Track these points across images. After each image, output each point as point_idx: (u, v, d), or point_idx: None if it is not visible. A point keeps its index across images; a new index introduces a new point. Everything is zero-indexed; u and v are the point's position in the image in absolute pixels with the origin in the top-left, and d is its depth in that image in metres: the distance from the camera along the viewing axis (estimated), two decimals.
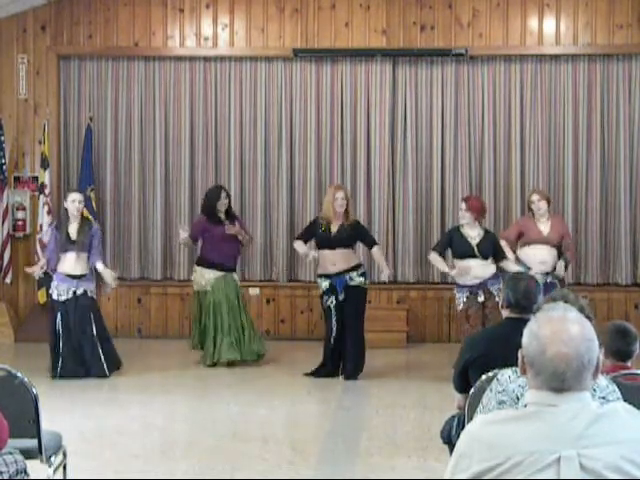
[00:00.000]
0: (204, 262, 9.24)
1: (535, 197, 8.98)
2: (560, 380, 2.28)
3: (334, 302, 8.59)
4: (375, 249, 8.89)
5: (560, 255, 8.83)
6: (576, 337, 2.30)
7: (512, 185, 10.80)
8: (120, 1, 10.92)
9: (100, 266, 8.71)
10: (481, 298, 8.41)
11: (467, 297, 8.44)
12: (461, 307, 8.49)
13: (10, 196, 10.82)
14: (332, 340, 8.64)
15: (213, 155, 11.03)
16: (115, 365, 8.84)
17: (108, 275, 8.74)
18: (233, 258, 9.31)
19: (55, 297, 8.69)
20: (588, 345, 2.31)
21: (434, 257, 8.70)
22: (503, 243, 8.79)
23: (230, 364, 9.13)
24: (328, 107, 10.90)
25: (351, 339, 8.60)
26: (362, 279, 8.66)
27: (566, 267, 8.92)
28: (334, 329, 8.62)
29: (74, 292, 8.61)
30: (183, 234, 9.25)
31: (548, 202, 8.97)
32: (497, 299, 8.38)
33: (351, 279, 8.58)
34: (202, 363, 9.20)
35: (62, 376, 8.56)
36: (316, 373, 8.70)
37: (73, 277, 8.63)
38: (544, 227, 8.87)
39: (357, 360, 8.63)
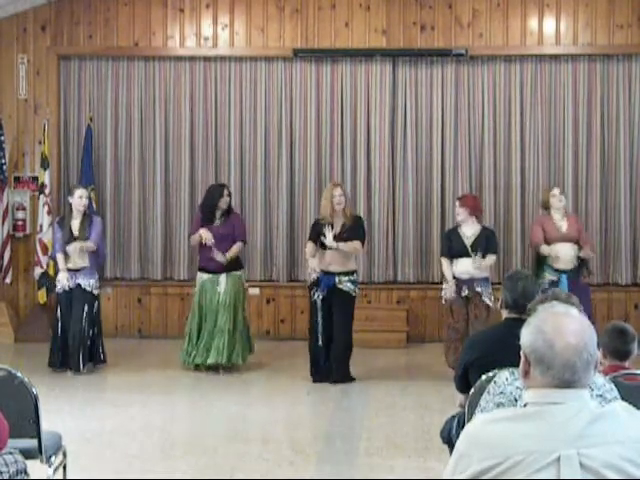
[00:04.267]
0: (200, 267, 9.11)
1: (556, 190, 9.01)
2: (572, 371, 2.31)
3: (320, 296, 8.45)
4: (356, 242, 8.49)
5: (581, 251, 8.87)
6: (581, 330, 2.35)
7: (512, 185, 10.80)
8: (120, 1, 10.92)
9: (86, 244, 8.76)
10: (464, 293, 8.50)
11: (452, 292, 8.52)
12: (445, 299, 8.61)
13: (10, 196, 10.83)
14: (319, 340, 8.47)
15: (213, 155, 11.03)
16: (99, 361, 8.95)
17: (80, 246, 8.73)
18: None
19: (58, 290, 8.91)
20: (591, 336, 2.36)
21: (446, 264, 8.68)
22: (546, 249, 8.74)
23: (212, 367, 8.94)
24: (328, 107, 10.90)
25: (338, 345, 8.49)
26: (352, 286, 8.50)
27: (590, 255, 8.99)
28: (320, 324, 8.46)
29: (69, 286, 8.77)
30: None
31: (565, 198, 9.03)
32: (485, 300, 8.44)
33: (340, 282, 8.44)
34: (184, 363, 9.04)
35: (50, 366, 8.87)
36: (314, 377, 8.57)
37: (72, 270, 8.78)
38: (562, 224, 8.87)
39: (343, 366, 8.53)
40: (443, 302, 8.72)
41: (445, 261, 8.72)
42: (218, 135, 11.03)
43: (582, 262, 8.89)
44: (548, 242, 8.83)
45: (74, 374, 8.74)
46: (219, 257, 8.82)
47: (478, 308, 8.48)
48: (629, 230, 10.71)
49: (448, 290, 8.56)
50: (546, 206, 9.08)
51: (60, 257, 8.84)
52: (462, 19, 10.71)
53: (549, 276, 8.71)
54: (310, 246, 8.60)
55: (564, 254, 8.78)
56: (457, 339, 8.38)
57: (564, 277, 8.73)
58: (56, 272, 9.22)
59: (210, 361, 8.80)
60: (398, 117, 10.89)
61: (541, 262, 8.91)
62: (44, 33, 10.96)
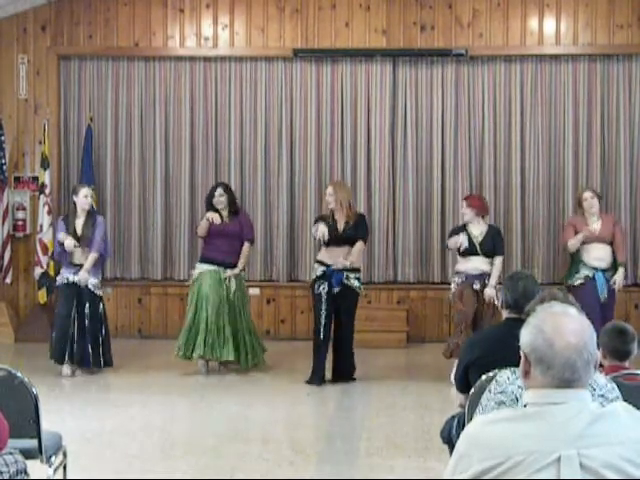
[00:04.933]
0: (202, 259, 9.08)
1: (588, 194, 8.88)
2: (572, 370, 2.31)
3: (326, 289, 8.41)
4: (359, 243, 8.55)
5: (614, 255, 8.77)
6: (580, 329, 2.35)
7: (512, 185, 10.80)
8: (120, 1, 10.92)
9: (90, 256, 8.74)
10: (476, 286, 8.54)
11: (462, 281, 8.58)
12: (453, 290, 8.66)
13: (10, 196, 10.83)
14: (321, 334, 8.41)
15: (213, 155, 11.03)
16: (106, 362, 8.86)
17: (85, 267, 8.69)
18: (232, 255, 8.97)
19: (58, 283, 8.84)
20: (590, 335, 2.36)
21: (451, 240, 8.77)
22: (573, 240, 8.68)
23: (222, 363, 8.99)
24: (328, 107, 10.90)
25: (342, 341, 8.50)
26: (357, 283, 8.52)
27: (625, 272, 8.90)
28: (323, 317, 8.41)
29: (74, 281, 8.68)
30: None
31: (599, 200, 8.89)
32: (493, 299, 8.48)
33: (347, 278, 8.45)
34: (176, 354, 8.95)
35: (53, 358, 8.77)
36: (314, 379, 8.48)
37: (76, 265, 8.73)
38: (595, 226, 8.77)
39: (348, 363, 8.56)
40: (452, 292, 8.71)
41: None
42: (218, 135, 11.03)
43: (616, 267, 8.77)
44: (581, 243, 8.69)
45: (82, 373, 8.70)
46: (229, 272, 8.89)
47: (486, 308, 8.52)
48: (629, 230, 10.69)
49: (455, 286, 8.61)
50: (580, 205, 8.97)
51: (64, 234, 8.71)
52: (462, 19, 10.71)
53: (584, 272, 8.65)
54: (319, 224, 8.51)
55: (596, 254, 8.67)
56: (465, 322, 8.42)
57: (600, 274, 8.64)
58: (56, 272, 9.19)
59: (230, 359, 8.83)
60: (398, 117, 10.89)
61: (576, 262, 8.81)
62: (44, 33, 10.96)
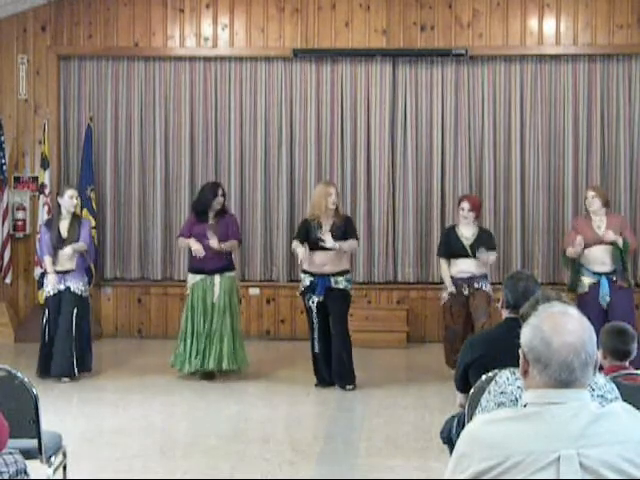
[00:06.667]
0: (191, 268, 8.81)
1: (590, 193, 8.77)
2: (569, 370, 2.30)
3: (315, 301, 8.26)
4: (352, 240, 8.32)
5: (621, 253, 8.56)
6: (579, 328, 2.35)
7: (512, 185, 10.80)
8: (120, 1, 10.92)
9: (79, 244, 8.60)
10: (466, 292, 8.54)
11: (452, 291, 8.58)
12: (444, 302, 8.67)
13: (10, 196, 10.83)
14: (316, 343, 8.31)
15: (213, 155, 11.03)
16: (85, 367, 8.68)
17: (71, 246, 8.57)
18: (217, 260, 8.60)
19: (46, 294, 8.70)
20: (590, 336, 2.35)
21: (445, 266, 8.74)
22: (571, 250, 8.50)
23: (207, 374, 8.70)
24: (328, 107, 10.91)
25: (337, 346, 8.28)
26: (347, 284, 8.34)
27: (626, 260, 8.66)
28: (316, 329, 8.29)
29: (59, 289, 8.58)
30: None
31: (604, 200, 8.72)
32: (485, 289, 8.47)
33: (336, 282, 8.25)
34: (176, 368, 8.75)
35: (42, 374, 8.54)
36: (320, 384, 8.41)
37: (60, 273, 8.60)
38: (600, 226, 8.59)
39: (347, 368, 8.35)
40: (442, 304, 8.73)
41: (444, 262, 8.75)
42: (218, 135, 11.03)
43: (624, 265, 8.52)
44: (585, 245, 8.46)
45: (69, 381, 8.50)
46: (212, 242, 8.46)
47: (478, 298, 8.50)
48: None
49: (446, 296, 8.62)
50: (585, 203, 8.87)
51: (48, 260, 8.60)
52: (462, 19, 10.71)
53: (588, 279, 8.46)
54: (298, 244, 8.25)
55: (599, 258, 8.49)
56: (456, 340, 8.39)
57: (604, 279, 8.41)
58: (42, 274, 9.06)
59: (210, 367, 8.58)
60: (398, 117, 10.89)
61: (578, 266, 8.58)
62: (44, 33, 10.96)
